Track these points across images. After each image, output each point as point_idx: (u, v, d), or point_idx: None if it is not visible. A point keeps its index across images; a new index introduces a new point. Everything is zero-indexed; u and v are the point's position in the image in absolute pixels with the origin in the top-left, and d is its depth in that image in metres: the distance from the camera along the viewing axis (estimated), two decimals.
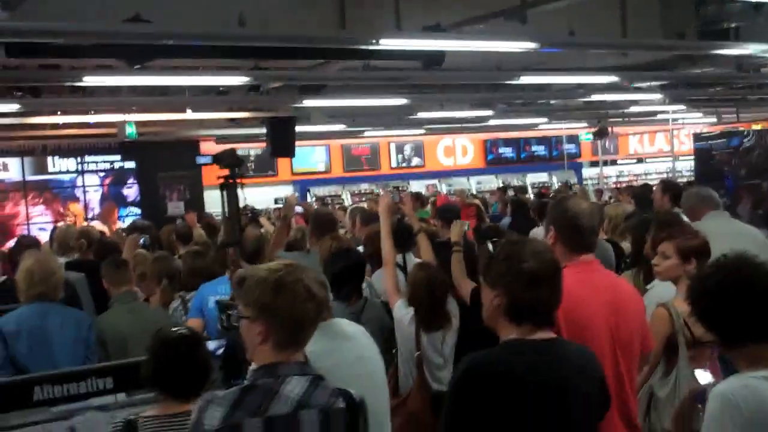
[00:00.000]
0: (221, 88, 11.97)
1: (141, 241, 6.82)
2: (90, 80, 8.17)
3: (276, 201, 20.28)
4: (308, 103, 11.31)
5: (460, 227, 5.29)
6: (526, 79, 11.01)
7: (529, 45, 7.70)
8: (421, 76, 10.05)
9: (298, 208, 8.30)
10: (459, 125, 20.30)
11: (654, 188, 8.60)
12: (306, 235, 7.00)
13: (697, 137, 14.03)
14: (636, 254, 5.19)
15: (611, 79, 11.52)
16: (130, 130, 12.20)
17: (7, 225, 18.14)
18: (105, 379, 3.73)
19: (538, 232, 7.87)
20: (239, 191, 4.50)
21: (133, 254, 6.41)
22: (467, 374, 2.53)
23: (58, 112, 11.83)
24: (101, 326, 5.17)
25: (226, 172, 4.28)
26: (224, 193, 4.23)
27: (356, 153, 22.62)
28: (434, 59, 8.83)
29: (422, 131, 21.19)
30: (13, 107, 10.11)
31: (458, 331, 4.87)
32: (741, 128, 12.82)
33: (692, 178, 23.07)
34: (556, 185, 24.36)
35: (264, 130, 15.99)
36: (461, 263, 4.99)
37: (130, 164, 19.59)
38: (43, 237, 17.08)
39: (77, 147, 18.58)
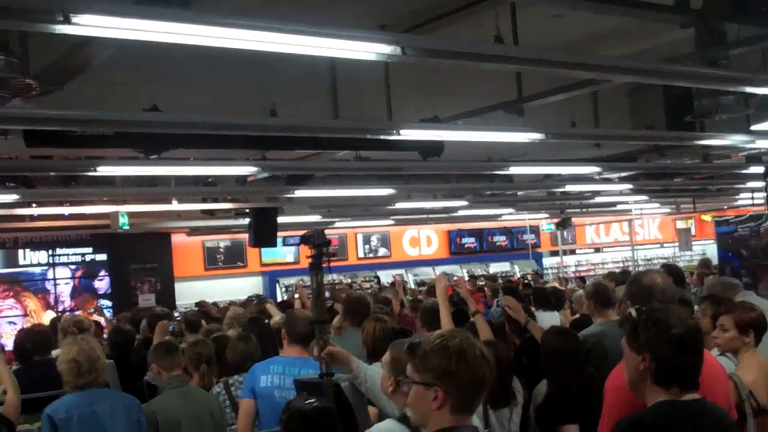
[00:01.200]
0: (210, 179, 12.11)
1: (170, 328, 6.85)
2: (104, 170, 8.21)
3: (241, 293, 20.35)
4: (299, 193, 11.47)
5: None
6: (514, 170, 11.36)
7: (535, 136, 8.00)
8: (417, 166, 10.28)
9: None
10: (426, 215, 20.69)
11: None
12: None
13: (720, 222, 14.50)
14: None
15: (592, 169, 11.92)
16: (123, 221, 12.26)
17: None
18: None
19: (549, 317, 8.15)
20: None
21: (163, 340, 6.44)
22: None
23: (67, 204, 11.86)
24: (153, 410, 5.18)
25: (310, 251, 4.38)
26: (313, 272, 4.31)
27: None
28: (434, 150, 9.06)
29: (390, 222, 21.48)
30: (11, 197, 10.06)
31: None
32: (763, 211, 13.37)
33: (650, 265, 23.99)
34: (518, 274, 24.78)
35: (237, 222, 16.30)
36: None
37: (102, 256, 19.51)
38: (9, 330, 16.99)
39: (49, 239, 18.52)
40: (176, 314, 13.03)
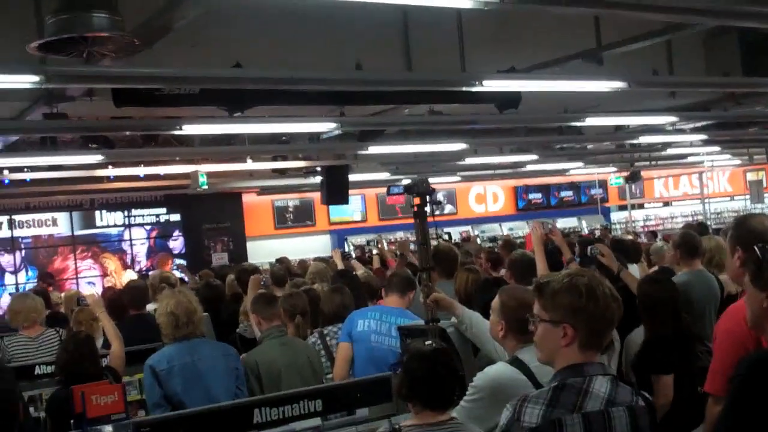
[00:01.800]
0: (284, 137, 12.23)
1: (262, 281, 6.98)
2: (189, 129, 8.35)
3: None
4: (372, 149, 11.53)
5: None
6: (590, 121, 11.25)
7: (617, 84, 7.92)
8: (493, 119, 10.24)
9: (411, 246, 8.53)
10: (492, 171, 20.60)
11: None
12: None
13: None
14: None
15: (668, 119, 11.76)
16: (202, 180, 12.47)
17: (56, 279, 18.35)
18: (315, 401, 3.89)
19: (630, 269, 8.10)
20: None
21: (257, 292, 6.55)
22: (755, 371, 2.59)
23: (141, 164, 12.13)
24: (256, 359, 5.31)
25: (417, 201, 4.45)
26: (417, 221, 4.37)
27: (391, 202, 22.93)
28: (511, 101, 9.00)
29: (457, 178, 21.43)
30: (95, 158, 10.29)
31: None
32: None
33: (721, 221, 23.54)
34: (585, 230, 24.61)
35: (307, 180, 16.44)
36: None
37: (176, 217, 19.92)
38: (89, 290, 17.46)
39: (124, 201, 18.98)
40: None
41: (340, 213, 21.97)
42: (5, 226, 18.19)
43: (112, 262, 19.25)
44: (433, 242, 5.47)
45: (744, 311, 2.99)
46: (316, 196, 17.32)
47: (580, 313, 2.64)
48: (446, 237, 20.74)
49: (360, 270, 8.50)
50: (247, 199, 20.84)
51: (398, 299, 5.39)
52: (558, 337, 2.66)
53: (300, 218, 21.98)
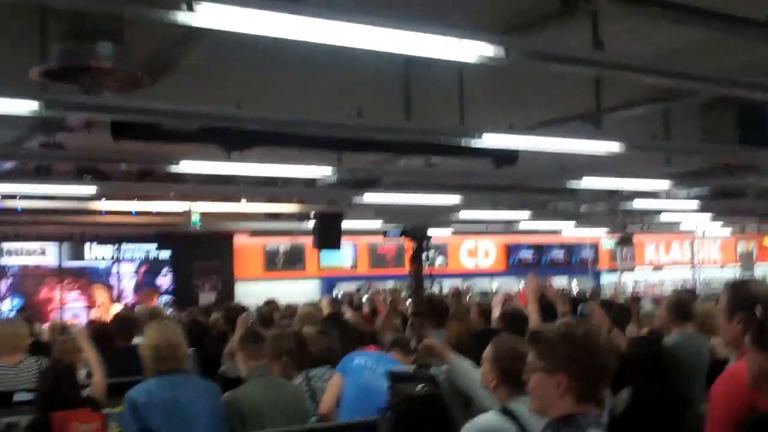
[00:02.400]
0: (279, 182, 12.24)
1: (251, 320, 6.94)
2: (186, 166, 8.35)
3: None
4: (368, 198, 11.54)
5: None
6: (587, 182, 11.30)
7: (615, 145, 7.98)
8: (489, 174, 10.28)
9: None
10: (485, 226, 20.58)
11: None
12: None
13: None
14: None
15: (663, 184, 11.83)
16: (195, 218, 12.46)
17: (42, 309, 18.20)
18: None
19: None
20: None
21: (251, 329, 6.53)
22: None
23: (135, 198, 12.12)
24: (239, 397, 5.23)
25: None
26: (413, 265, 4.38)
27: (382, 252, 22.91)
28: (508, 158, 9.05)
29: (449, 231, 21.37)
30: (90, 190, 10.27)
31: None
32: None
33: (711, 290, 23.59)
34: (575, 290, 24.52)
35: (299, 225, 16.44)
36: None
37: (166, 254, 19.84)
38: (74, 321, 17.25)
39: (114, 235, 18.89)
40: None
41: (330, 260, 21.90)
42: None
43: (101, 295, 19.10)
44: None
45: (740, 374, 3.02)
46: (308, 241, 17.21)
47: (576, 362, 2.61)
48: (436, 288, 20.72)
49: (349, 313, 8.46)
50: (239, 240, 20.82)
51: (401, 356, 5.48)
52: (553, 387, 2.63)
53: (290, 262, 21.92)
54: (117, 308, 16.04)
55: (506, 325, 6.08)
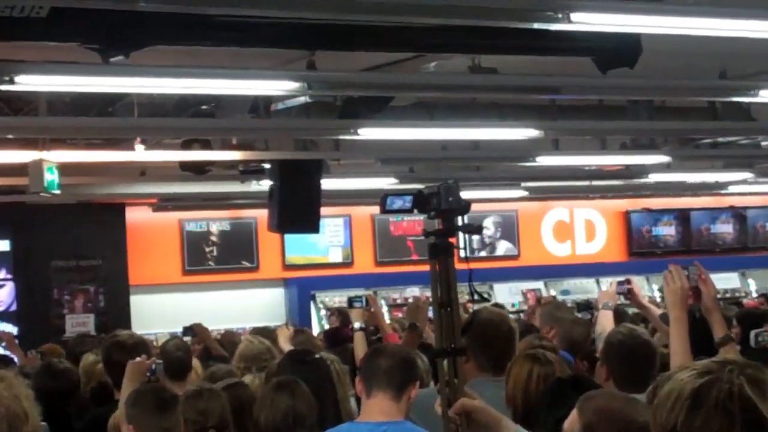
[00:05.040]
0: (204, 107, 8.30)
1: (152, 367, 4.98)
2: (25, 80, 5.70)
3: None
4: (367, 132, 7.87)
5: None
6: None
7: None
8: (588, 86, 7.29)
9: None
10: (587, 183, 13.71)
11: None
12: None
13: None
14: None
15: None
16: (51, 177, 7.92)
17: None
18: None
19: None
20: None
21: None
22: None
23: None
24: None
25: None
26: (436, 263, 2.97)
27: (398, 233, 15.25)
28: (623, 54, 6.01)
29: (521, 193, 14.06)
30: None
31: None
32: None
33: None
34: (753, 293, 16.83)
35: (246, 188, 11.66)
36: None
37: (2, 245, 12.60)
38: None
39: None
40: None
41: (303, 249, 14.82)
42: None
43: None
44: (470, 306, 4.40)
45: None
46: (262, 216, 12.03)
47: None
48: (487, 296, 13.08)
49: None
50: (135, 216, 13.79)
51: (390, 402, 3.91)
52: None
53: (230, 256, 14.44)
54: None
55: (611, 366, 4.43)
